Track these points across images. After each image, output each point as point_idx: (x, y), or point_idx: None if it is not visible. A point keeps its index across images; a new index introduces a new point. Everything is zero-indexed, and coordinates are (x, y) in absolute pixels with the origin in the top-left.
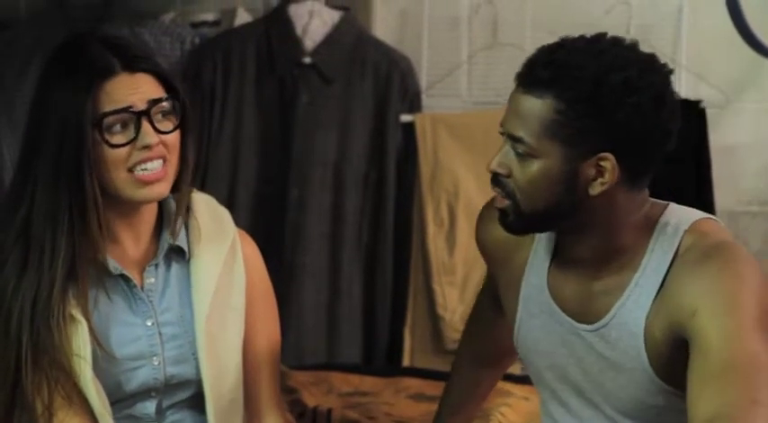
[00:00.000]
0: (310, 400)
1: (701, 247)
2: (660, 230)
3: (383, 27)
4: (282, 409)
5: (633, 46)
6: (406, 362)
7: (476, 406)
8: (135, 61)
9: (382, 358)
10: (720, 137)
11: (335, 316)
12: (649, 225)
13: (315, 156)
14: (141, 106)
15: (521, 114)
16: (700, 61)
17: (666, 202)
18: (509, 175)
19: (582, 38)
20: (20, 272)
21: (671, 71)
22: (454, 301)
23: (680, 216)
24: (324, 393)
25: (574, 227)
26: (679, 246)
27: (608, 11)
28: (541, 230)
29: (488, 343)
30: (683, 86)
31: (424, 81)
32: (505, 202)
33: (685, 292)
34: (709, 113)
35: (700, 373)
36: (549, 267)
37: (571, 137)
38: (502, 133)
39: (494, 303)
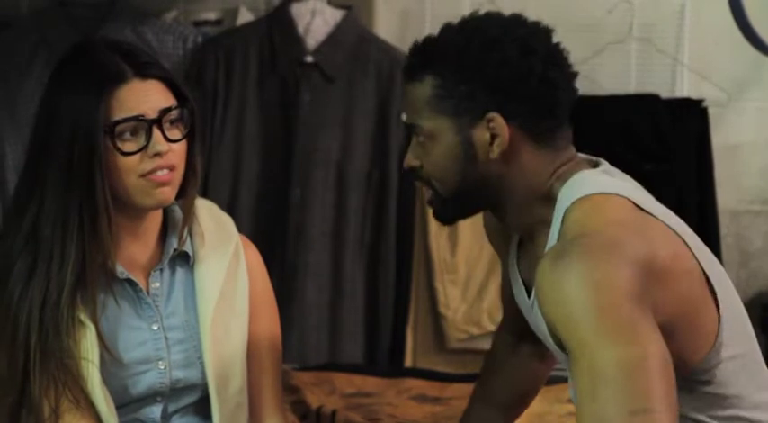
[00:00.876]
0: (313, 400)
1: (561, 242)
2: (558, 204)
3: (385, 26)
4: (284, 412)
5: (502, 15)
6: (408, 360)
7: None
8: (146, 68)
9: (385, 357)
10: (723, 136)
11: (338, 315)
12: (554, 195)
13: (317, 155)
14: (152, 115)
15: (409, 103)
16: (702, 60)
17: (590, 161)
18: (421, 166)
19: (459, 20)
20: (28, 276)
21: (547, 29)
22: (456, 299)
23: (576, 186)
24: (327, 394)
25: (494, 203)
26: (561, 227)
27: (610, 10)
28: (466, 214)
29: (501, 383)
30: (686, 85)
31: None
32: (429, 193)
33: (544, 298)
34: (712, 112)
35: (577, 389)
36: (518, 246)
37: (455, 107)
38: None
39: (510, 338)
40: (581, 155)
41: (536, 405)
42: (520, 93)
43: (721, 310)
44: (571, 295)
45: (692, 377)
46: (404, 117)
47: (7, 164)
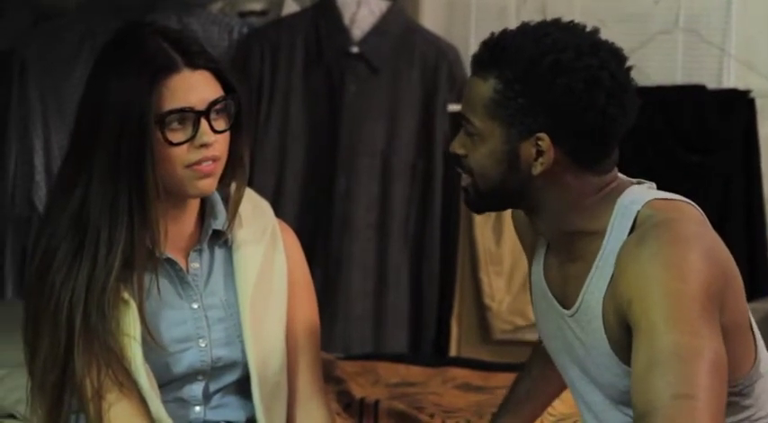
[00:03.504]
0: (357, 390)
1: (643, 228)
2: (618, 211)
3: (431, 16)
4: (326, 396)
5: (584, 32)
6: (452, 352)
7: (541, 404)
8: (197, 58)
9: (429, 348)
10: None
11: (382, 306)
12: (609, 207)
13: (362, 146)
14: (201, 107)
15: (469, 97)
16: (749, 50)
17: (632, 181)
18: (466, 155)
19: (537, 23)
20: (72, 258)
21: (622, 57)
22: (501, 290)
23: (637, 195)
24: (371, 383)
25: (530, 207)
26: (633, 226)
27: (657, 1)
28: (498, 208)
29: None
30: (732, 76)
31: (471, 71)
32: (467, 181)
33: (624, 279)
34: (759, 103)
35: (635, 368)
36: (546, 252)
37: (509, 117)
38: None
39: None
40: (621, 176)
41: None
42: (575, 123)
43: (753, 326)
44: (655, 276)
45: (735, 390)
46: (450, 107)
47: (54, 154)
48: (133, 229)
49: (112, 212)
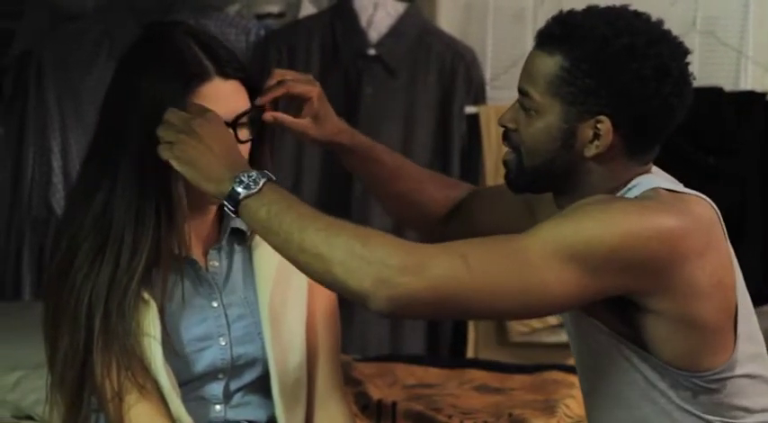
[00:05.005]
0: (375, 392)
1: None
2: (626, 190)
3: (448, 19)
4: (345, 393)
5: (653, 21)
6: (469, 354)
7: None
8: (227, 66)
9: (446, 350)
10: None
11: None
12: (618, 189)
13: None
14: (228, 118)
15: (531, 70)
16: (766, 52)
17: (647, 168)
18: (516, 130)
19: (606, 7)
20: (93, 258)
21: (686, 50)
22: None
23: (650, 179)
24: (388, 385)
25: (565, 189)
26: None
27: (673, 2)
28: (538, 189)
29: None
30: (750, 78)
31: (488, 73)
32: (511, 156)
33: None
34: None
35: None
36: None
37: (572, 95)
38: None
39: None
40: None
41: None
42: (638, 109)
43: (738, 341)
44: (584, 211)
45: (702, 382)
46: (467, 109)
47: (71, 156)
48: (160, 236)
49: (138, 218)
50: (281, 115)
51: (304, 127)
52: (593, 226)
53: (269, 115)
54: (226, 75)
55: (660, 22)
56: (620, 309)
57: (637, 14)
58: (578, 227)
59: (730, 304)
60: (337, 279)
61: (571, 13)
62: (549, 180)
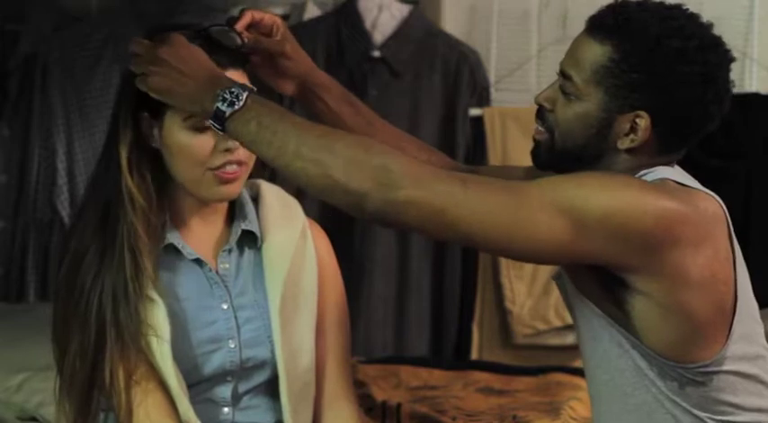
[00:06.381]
0: (379, 394)
1: None
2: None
3: (452, 21)
4: (354, 396)
5: (705, 24)
6: (474, 356)
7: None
8: (232, 56)
9: (450, 352)
10: None
11: (404, 309)
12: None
13: None
14: None
15: (577, 55)
16: None
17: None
18: (552, 110)
19: (660, 2)
20: (101, 260)
21: (732, 58)
22: (522, 294)
23: (661, 172)
24: (392, 387)
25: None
26: None
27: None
28: (562, 169)
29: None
30: (755, 80)
31: (492, 75)
32: (543, 135)
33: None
34: None
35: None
36: None
37: (616, 87)
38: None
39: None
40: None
41: None
42: (678, 111)
43: (730, 339)
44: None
45: (689, 374)
46: (472, 111)
47: (76, 158)
48: (166, 236)
49: (144, 218)
50: (257, 36)
51: (281, 46)
52: (595, 188)
53: (246, 35)
54: (232, 65)
55: (711, 26)
56: (610, 286)
57: (691, 16)
58: (581, 184)
59: (724, 301)
60: (336, 181)
61: (626, 3)
62: (576, 163)
